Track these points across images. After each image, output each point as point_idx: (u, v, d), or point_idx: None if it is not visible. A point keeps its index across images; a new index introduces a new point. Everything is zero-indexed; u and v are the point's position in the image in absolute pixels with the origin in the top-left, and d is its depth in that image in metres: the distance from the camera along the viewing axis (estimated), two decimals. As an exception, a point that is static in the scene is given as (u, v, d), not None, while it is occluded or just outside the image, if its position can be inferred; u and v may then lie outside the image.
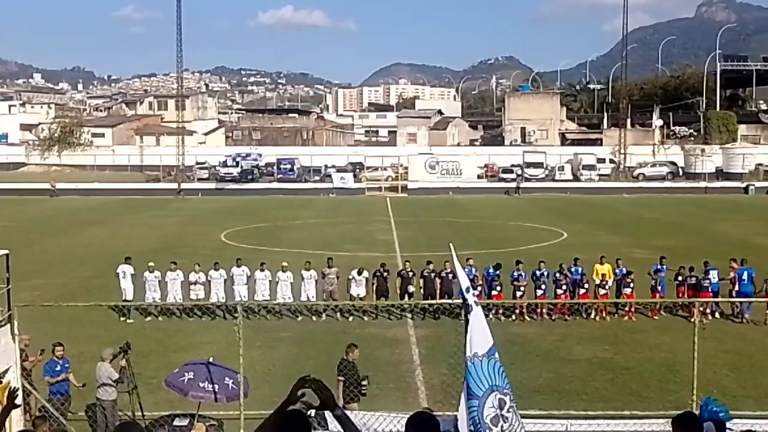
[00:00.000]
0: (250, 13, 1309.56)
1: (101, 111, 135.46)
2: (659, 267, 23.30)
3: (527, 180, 74.20)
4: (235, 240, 38.01)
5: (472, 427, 8.37)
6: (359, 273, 22.83)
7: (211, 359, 13.19)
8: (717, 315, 22.15)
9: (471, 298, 9.15)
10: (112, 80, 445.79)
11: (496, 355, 8.79)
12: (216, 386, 12.32)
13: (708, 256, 25.49)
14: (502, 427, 8.34)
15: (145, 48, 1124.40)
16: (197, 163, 79.75)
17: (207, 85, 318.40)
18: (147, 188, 72.04)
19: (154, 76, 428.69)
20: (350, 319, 22.12)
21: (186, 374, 12.62)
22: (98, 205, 59.09)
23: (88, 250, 35.55)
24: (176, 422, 12.98)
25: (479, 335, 8.86)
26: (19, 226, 45.07)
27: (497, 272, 22.55)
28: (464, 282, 9.69)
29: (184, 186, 70.94)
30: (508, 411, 8.42)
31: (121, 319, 21.80)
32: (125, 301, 22.03)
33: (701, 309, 21.50)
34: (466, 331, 8.91)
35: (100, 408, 13.55)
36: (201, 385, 12.38)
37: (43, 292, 25.12)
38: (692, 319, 12.43)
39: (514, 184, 72.01)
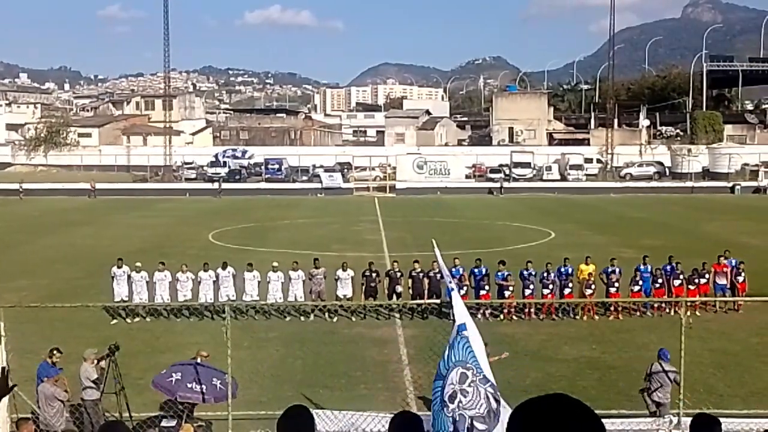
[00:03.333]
0: (237, 13, 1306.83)
1: (88, 111, 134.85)
2: (641, 266, 23.34)
3: (515, 180, 74.39)
4: (223, 240, 37.93)
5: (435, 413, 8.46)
6: (344, 269, 22.81)
7: (199, 360, 13.17)
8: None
9: (449, 284, 9.39)
10: (99, 80, 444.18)
11: (466, 332, 8.93)
12: (204, 387, 12.31)
13: (695, 256, 25.64)
14: (459, 402, 8.42)
15: (131, 47, 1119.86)
16: (185, 163, 79.50)
17: (194, 85, 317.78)
18: (135, 188, 71.84)
19: (141, 76, 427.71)
20: (335, 319, 22.07)
21: (174, 375, 12.60)
22: (85, 205, 58.84)
23: (75, 250, 35.39)
24: (164, 423, 12.94)
25: (456, 316, 9.11)
26: (5, 226, 44.89)
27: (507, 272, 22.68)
28: (445, 272, 9.92)
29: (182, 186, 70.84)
30: (469, 385, 8.51)
31: (113, 321, 21.67)
32: (122, 301, 21.85)
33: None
34: (453, 320, 9.13)
35: (84, 408, 13.52)
36: (189, 385, 12.36)
37: (29, 293, 25.00)
38: (683, 314, 12.48)
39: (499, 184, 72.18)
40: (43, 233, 41.73)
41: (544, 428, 2.27)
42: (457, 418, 8.44)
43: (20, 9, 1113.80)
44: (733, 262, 23.56)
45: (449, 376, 8.60)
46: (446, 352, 8.93)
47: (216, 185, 70.34)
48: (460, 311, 9.48)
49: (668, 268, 23.12)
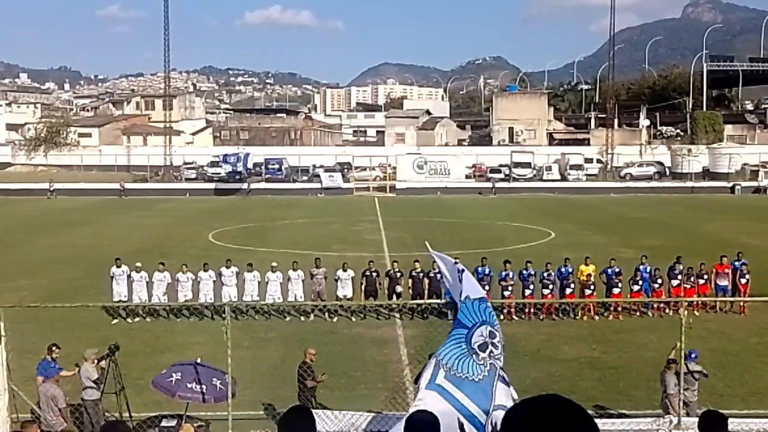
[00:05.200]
0: (237, 13, 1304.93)
1: (88, 111, 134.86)
2: (641, 266, 23.30)
3: (515, 180, 74.39)
4: (223, 240, 37.93)
5: (451, 356, 8.45)
6: (344, 269, 22.82)
7: (198, 360, 13.16)
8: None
9: (459, 271, 9.40)
10: (99, 80, 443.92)
11: (488, 304, 9.09)
12: (204, 387, 12.30)
13: (695, 256, 25.63)
14: (490, 352, 8.49)
15: (131, 47, 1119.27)
16: (185, 163, 79.46)
17: (194, 85, 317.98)
18: (135, 188, 71.83)
19: (141, 76, 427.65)
20: (335, 319, 22.07)
21: (173, 375, 12.59)
22: (85, 205, 58.85)
23: (75, 250, 35.39)
24: (164, 423, 12.95)
25: (471, 287, 9.18)
26: (5, 226, 44.87)
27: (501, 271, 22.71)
28: (443, 267, 9.94)
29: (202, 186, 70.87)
30: (499, 341, 8.64)
31: (113, 321, 21.65)
32: (121, 301, 21.85)
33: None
34: (461, 284, 9.18)
35: (84, 408, 13.52)
36: (188, 385, 12.35)
37: (29, 293, 24.99)
38: (683, 314, 12.49)
39: (500, 184, 72.09)
40: (43, 233, 41.73)
41: (538, 429, 2.28)
42: (489, 367, 8.46)
43: (20, 9, 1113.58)
44: (737, 264, 23.49)
45: (478, 329, 8.63)
46: (469, 309, 8.93)
47: (245, 185, 70.57)
48: (478, 287, 9.54)
49: (672, 266, 23.11)
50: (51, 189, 66.95)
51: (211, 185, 72.45)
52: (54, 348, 14.05)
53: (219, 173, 74.98)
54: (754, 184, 71.69)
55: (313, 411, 12.27)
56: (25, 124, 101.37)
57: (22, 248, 36.25)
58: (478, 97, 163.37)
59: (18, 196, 64.85)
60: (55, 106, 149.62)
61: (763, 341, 19.60)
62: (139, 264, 22.62)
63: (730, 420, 11.95)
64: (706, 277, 22.99)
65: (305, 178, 75.85)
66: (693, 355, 13.88)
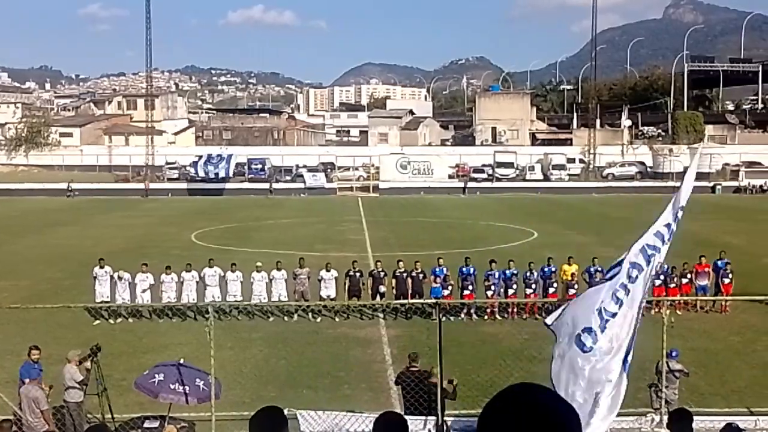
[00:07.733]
0: (220, 12, 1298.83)
1: (69, 110, 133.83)
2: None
3: (498, 180, 74.58)
4: (206, 240, 37.78)
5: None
6: (327, 270, 22.79)
7: (181, 360, 13.11)
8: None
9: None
10: (80, 79, 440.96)
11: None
12: (187, 388, 12.25)
13: (675, 255, 25.73)
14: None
15: (113, 47, 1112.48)
16: (167, 163, 79.03)
17: (177, 85, 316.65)
18: (117, 188, 71.44)
19: (123, 75, 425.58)
20: (319, 320, 22.02)
21: (156, 376, 12.53)
22: (66, 205, 58.47)
23: (57, 251, 35.13)
24: (147, 424, 12.90)
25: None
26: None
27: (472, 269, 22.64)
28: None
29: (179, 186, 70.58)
30: None
31: (96, 322, 21.53)
32: (103, 302, 21.71)
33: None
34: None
35: (67, 410, 13.43)
36: (171, 386, 12.30)
37: (10, 294, 24.80)
38: (665, 313, 12.59)
39: (485, 184, 72.21)
40: (25, 233, 41.41)
41: (516, 413, 2.27)
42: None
43: None
44: (720, 263, 23.63)
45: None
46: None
47: (268, 185, 70.83)
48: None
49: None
50: (70, 189, 67.32)
51: (193, 185, 72.06)
52: (33, 350, 13.91)
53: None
54: (735, 183, 72.28)
55: (297, 412, 12.25)
56: (6, 123, 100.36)
57: (3, 248, 35.96)
58: (461, 97, 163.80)
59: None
60: (36, 106, 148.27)
61: (743, 340, 19.76)
62: (128, 274, 22.32)
63: (711, 418, 12.09)
64: (689, 276, 23.12)
65: (288, 178, 75.69)
66: (674, 354, 13.99)
